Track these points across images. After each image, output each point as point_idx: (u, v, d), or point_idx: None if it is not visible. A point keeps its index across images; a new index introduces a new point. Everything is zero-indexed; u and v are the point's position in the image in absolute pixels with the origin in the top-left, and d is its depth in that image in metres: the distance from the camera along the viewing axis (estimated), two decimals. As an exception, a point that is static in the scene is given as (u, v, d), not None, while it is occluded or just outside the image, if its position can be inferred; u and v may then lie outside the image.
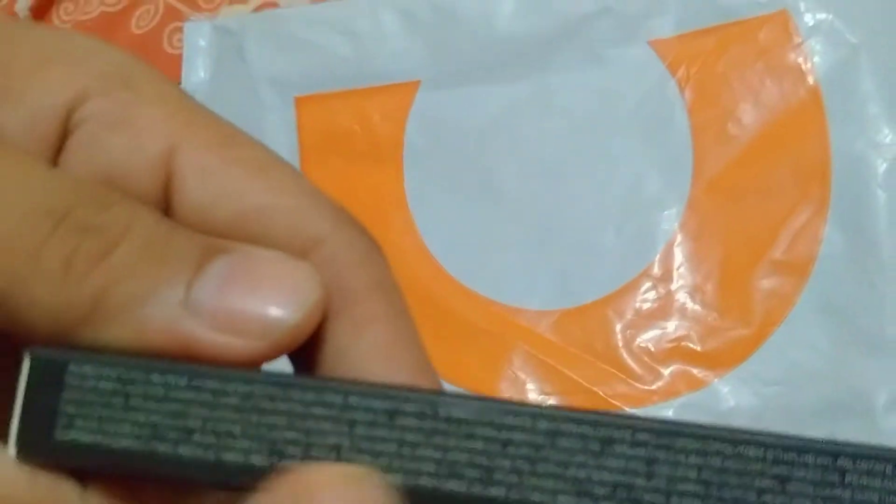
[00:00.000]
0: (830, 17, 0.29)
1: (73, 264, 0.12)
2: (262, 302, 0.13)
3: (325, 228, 0.14)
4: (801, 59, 0.29)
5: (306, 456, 0.12)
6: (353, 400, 0.12)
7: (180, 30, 0.34)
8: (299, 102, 0.32)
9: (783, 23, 0.30)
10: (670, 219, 0.29)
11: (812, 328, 0.26)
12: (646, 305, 0.28)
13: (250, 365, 0.13)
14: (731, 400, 0.26)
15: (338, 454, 0.12)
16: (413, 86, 0.31)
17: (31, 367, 0.13)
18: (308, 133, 0.31)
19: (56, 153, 0.14)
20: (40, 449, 0.13)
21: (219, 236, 0.14)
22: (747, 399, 0.26)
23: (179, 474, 0.12)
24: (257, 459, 0.12)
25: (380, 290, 0.15)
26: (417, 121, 0.31)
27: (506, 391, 0.27)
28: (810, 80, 0.29)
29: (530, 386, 0.27)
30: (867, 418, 0.25)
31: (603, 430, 0.12)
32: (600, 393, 0.27)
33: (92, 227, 0.13)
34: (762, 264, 0.27)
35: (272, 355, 0.13)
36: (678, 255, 0.28)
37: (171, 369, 0.13)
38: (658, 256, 0.28)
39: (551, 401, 0.27)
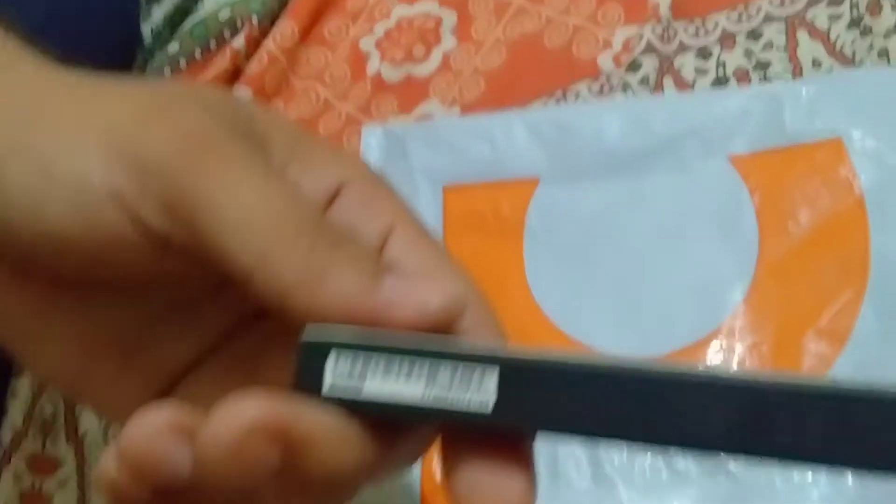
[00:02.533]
0: (876, 143, 0.36)
1: (314, 248, 0.20)
2: (422, 293, 0.20)
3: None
4: (850, 176, 0.36)
5: None
6: None
7: (357, 132, 0.44)
8: (446, 191, 0.40)
9: (837, 147, 0.37)
10: (738, 293, 0.35)
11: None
12: (714, 358, 0.34)
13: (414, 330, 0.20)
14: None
15: None
16: (534, 182, 0.40)
17: (303, 346, 0.20)
18: (452, 214, 0.40)
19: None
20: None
21: None
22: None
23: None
24: None
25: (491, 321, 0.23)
26: (536, 209, 0.39)
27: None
28: (856, 192, 0.36)
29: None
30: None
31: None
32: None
33: (330, 234, 0.21)
34: (809, 332, 0.34)
35: (421, 325, 0.20)
36: (742, 321, 0.35)
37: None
38: (726, 320, 0.35)
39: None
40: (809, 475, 0.31)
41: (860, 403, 0.17)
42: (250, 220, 0.20)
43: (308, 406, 0.19)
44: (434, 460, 0.34)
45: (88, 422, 0.43)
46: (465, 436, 0.20)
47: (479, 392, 0.19)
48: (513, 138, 0.40)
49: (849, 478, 0.31)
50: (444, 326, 0.20)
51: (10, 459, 0.42)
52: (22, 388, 0.44)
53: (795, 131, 0.38)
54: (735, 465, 0.32)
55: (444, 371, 0.19)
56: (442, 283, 0.21)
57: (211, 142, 0.21)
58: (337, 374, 0.19)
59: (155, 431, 0.19)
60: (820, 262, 0.35)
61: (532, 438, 0.20)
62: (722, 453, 0.18)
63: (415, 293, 0.20)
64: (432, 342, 0.19)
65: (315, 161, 0.23)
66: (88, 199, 0.21)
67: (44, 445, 0.43)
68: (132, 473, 0.19)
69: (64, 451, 0.42)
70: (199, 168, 0.20)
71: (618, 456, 0.33)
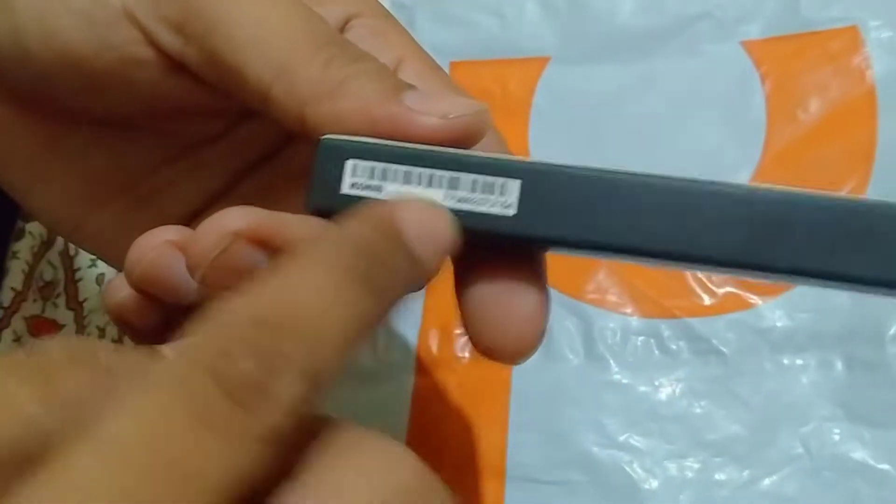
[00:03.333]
0: (892, 33, 0.36)
1: (334, 61, 0.20)
2: (446, 104, 0.19)
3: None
4: (863, 65, 0.36)
5: None
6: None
7: (365, 3, 0.43)
8: (453, 66, 0.40)
9: (852, 36, 0.36)
10: (742, 180, 0.35)
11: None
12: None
13: (433, 142, 0.20)
14: (770, 320, 0.33)
15: None
16: (544, 60, 0.39)
17: (323, 147, 0.19)
18: (457, 89, 0.39)
19: None
20: (330, 202, 0.19)
21: None
22: (783, 321, 0.32)
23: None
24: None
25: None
26: (545, 88, 0.39)
27: (591, 293, 0.34)
28: (868, 81, 0.35)
29: (612, 291, 0.34)
30: (877, 344, 0.31)
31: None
32: (665, 304, 0.34)
33: (349, 50, 0.21)
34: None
35: (444, 136, 0.19)
36: (742, 209, 0.35)
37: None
38: (726, 207, 0.35)
39: (630, 313, 0.34)
40: (799, 360, 0.32)
41: (874, 215, 0.17)
42: (266, 34, 0.20)
43: (295, 217, 0.19)
44: (430, 333, 0.35)
45: (89, 289, 0.43)
46: (478, 252, 0.20)
47: (501, 199, 0.19)
48: (523, 14, 0.40)
49: (837, 364, 0.31)
50: (467, 140, 0.20)
51: (9, 321, 0.43)
52: (23, 250, 0.45)
53: (811, 17, 0.37)
54: (726, 347, 0.32)
55: (466, 179, 0.19)
56: (465, 98, 0.21)
57: None
58: (357, 175, 0.19)
59: (156, 248, 0.19)
60: (826, 150, 0.35)
61: (546, 252, 0.20)
62: (734, 267, 0.18)
63: (439, 103, 0.19)
64: (453, 151, 0.19)
65: None
66: (101, 17, 0.21)
67: (43, 310, 0.43)
68: (137, 290, 0.19)
69: (64, 314, 0.42)
70: None
71: (611, 336, 0.33)
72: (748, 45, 0.37)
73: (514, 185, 0.19)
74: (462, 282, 0.20)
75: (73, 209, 0.24)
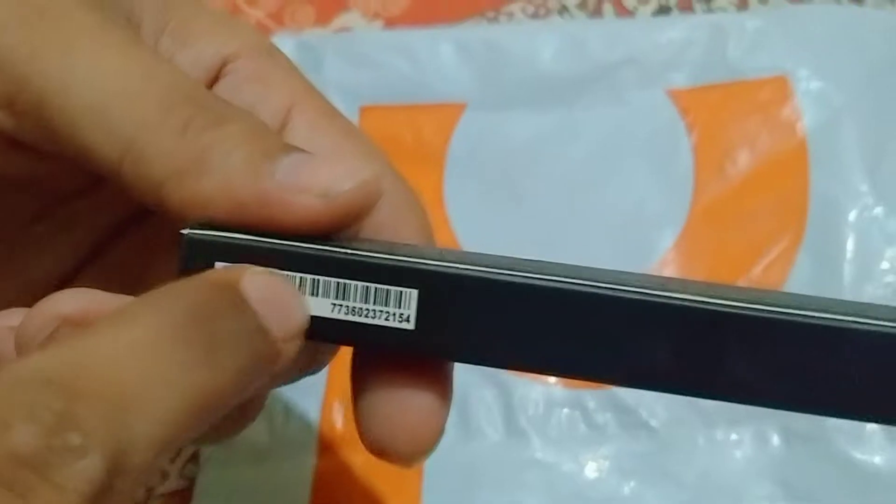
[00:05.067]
0: (822, 83, 0.34)
1: (191, 126, 0.17)
2: (327, 175, 0.17)
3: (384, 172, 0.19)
4: (793, 116, 0.34)
5: None
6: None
7: (268, 42, 0.39)
8: (364, 111, 0.37)
9: (781, 86, 0.35)
10: (667, 237, 0.33)
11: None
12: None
13: (314, 229, 0.17)
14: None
15: None
16: (461, 107, 0.37)
17: (186, 244, 0.16)
18: (368, 135, 0.37)
19: None
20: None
21: None
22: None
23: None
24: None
25: (415, 213, 0.20)
26: (461, 136, 0.36)
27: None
28: (799, 133, 0.34)
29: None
30: (815, 416, 0.29)
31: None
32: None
33: (210, 108, 0.18)
34: (742, 280, 0.32)
35: (327, 218, 0.16)
36: (671, 269, 0.32)
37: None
38: (654, 266, 0.33)
39: (554, 383, 0.31)
40: (733, 434, 0.29)
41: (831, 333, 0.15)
42: (108, 101, 0.17)
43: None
44: (333, 406, 0.31)
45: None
46: (378, 355, 0.17)
47: (398, 311, 0.16)
48: (439, 57, 0.37)
49: (774, 438, 0.29)
50: (355, 218, 0.17)
51: None
52: None
53: (739, 66, 0.35)
54: (656, 420, 0.30)
55: (356, 290, 0.16)
56: (352, 162, 0.18)
57: (56, 12, 0.17)
58: None
59: None
60: (757, 206, 0.33)
61: (454, 361, 0.18)
62: (663, 389, 0.16)
63: (318, 173, 0.16)
64: (341, 250, 0.16)
65: (195, 31, 0.19)
66: None
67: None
68: None
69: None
70: (42, 44, 0.17)
71: (533, 407, 0.30)
72: (674, 94, 0.35)
73: (411, 295, 0.16)
74: (357, 379, 0.18)
75: None
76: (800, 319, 0.15)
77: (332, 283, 0.16)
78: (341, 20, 0.42)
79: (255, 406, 0.20)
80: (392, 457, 0.18)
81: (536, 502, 0.29)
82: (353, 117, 0.37)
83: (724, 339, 0.15)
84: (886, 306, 0.17)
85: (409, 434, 0.18)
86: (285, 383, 0.20)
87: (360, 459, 0.30)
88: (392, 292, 0.16)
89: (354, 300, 0.16)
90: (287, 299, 0.16)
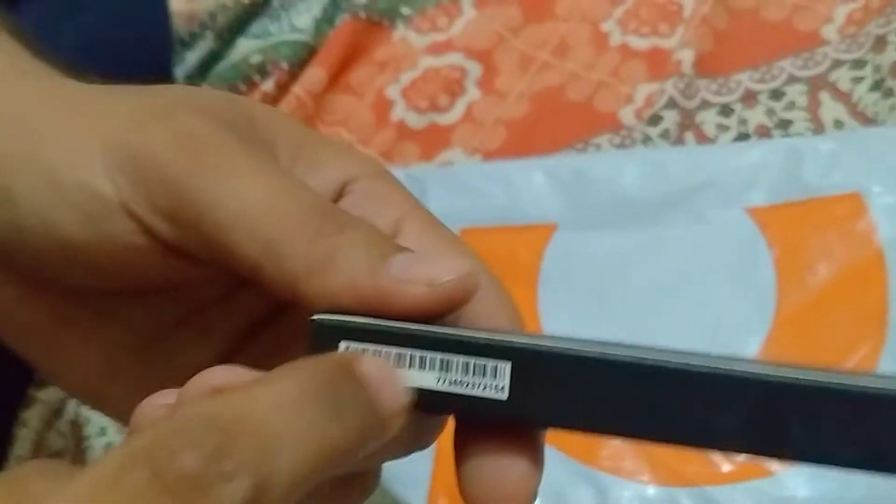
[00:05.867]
0: (894, 199, 0.36)
1: (321, 233, 0.20)
2: (432, 268, 0.20)
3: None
4: (869, 229, 0.36)
5: None
6: None
7: (378, 175, 0.44)
8: (463, 233, 0.41)
9: (856, 201, 0.37)
10: (753, 345, 0.35)
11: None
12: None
13: (422, 314, 0.20)
14: (791, 489, 0.31)
15: None
16: (551, 227, 0.40)
17: (314, 329, 0.19)
18: (466, 256, 0.40)
19: None
20: None
21: None
22: (803, 490, 0.31)
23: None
24: None
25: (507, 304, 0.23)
26: (552, 254, 0.39)
27: (606, 459, 0.33)
28: (875, 245, 0.35)
29: (628, 458, 0.33)
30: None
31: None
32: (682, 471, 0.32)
33: (336, 218, 0.21)
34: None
35: (433, 305, 0.19)
36: (755, 373, 0.34)
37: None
38: (738, 371, 0.34)
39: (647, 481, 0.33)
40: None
41: (879, 401, 0.16)
42: (253, 211, 0.20)
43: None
44: (438, 502, 0.33)
45: (95, 456, 0.43)
46: (476, 426, 0.20)
47: (493, 383, 0.19)
48: (531, 183, 0.41)
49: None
50: (456, 305, 0.20)
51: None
52: (32, 419, 0.44)
53: (814, 184, 0.38)
54: (746, 515, 0.31)
55: (457, 362, 0.19)
56: (452, 260, 0.21)
57: (211, 142, 0.21)
58: None
59: (156, 410, 0.20)
60: (837, 314, 0.35)
61: (544, 428, 0.20)
62: (736, 450, 0.17)
63: (425, 269, 0.20)
64: (445, 331, 0.19)
65: (322, 159, 0.23)
66: (96, 208, 0.21)
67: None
68: None
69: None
70: (200, 168, 0.21)
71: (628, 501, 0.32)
72: (753, 212, 0.38)
73: (505, 368, 0.19)
74: (459, 448, 0.20)
75: (88, 378, 0.24)
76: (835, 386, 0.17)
77: (437, 358, 0.19)
78: (444, 156, 0.46)
79: (371, 480, 0.23)
80: None
81: None
82: (454, 239, 0.40)
83: (785, 408, 0.17)
84: None
85: (505, 496, 0.20)
86: (397, 457, 0.22)
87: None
88: (488, 366, 0.19)
89: (455, 373, 0.19)
90: (393, 378, 0.19)
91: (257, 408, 0.15)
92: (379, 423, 0.18)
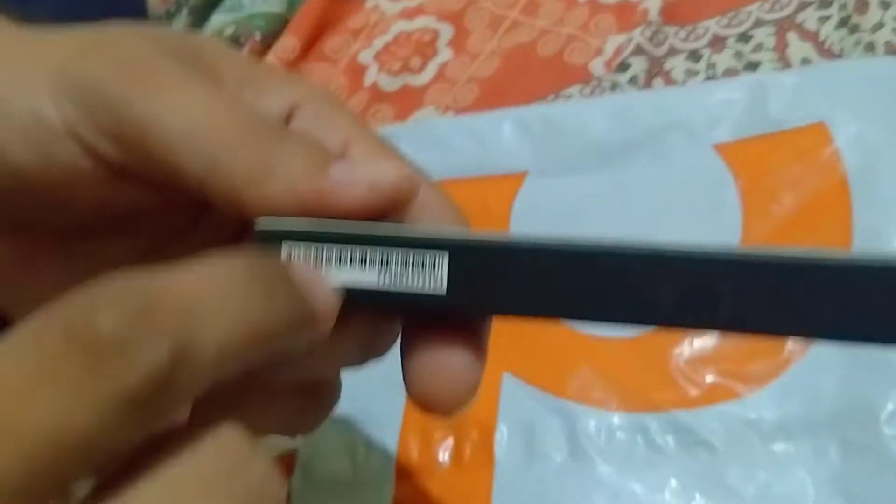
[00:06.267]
0: (859, 127, 0.36)
1: (262, 144, 0.21)
2: (373, 170, 0.21)
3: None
4: (833, 157, 0.36)
5: None
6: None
7: (351, 136, 0.44)
8: (434, 186, 0.41)
9: (821, 131, 0.37)
10: (720, 276, 0.35)
11: (830, 357, 0.32)
12: (696, 339, 0.34)
13: (362, 215, 0.21)
14: (758, 411, 0.31)
15: None
16: (522, 176, 0.40)
17: (258, 233, 0.20)
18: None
19: None
20: None
21: None
22: (771, 412, 0.31)
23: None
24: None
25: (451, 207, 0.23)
26: (522, 201, 0.39)
27: (575, 388, 0.33)
28: (840, 172, 0.36)
29: (596, 387, 0.33)
30: (872, 427, 0.30)
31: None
32: (651, 397, 0.33)
33: (276, 132, 0.21)
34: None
35: (373, 204, 0.20)
36: (723, 302, 0.34)
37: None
38: (706, 301, 0.34)
39: (615, 408, 0.33)
40: (792, 447, 0.30)
41: (802, 270, 0.17)
42: (195, 129, 0.21)
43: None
44: (409, 439, 0.34)
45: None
46: (421, 322, 0.20)
47: (432, 277, 0.19)
48: (501, 134, 0.41)
49: (831, 450, 0.30)
50: (396, 207, 0.20)
51: None
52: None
53: (779, 118, 0.38)
54: (715, 438, 0.31)
55: (397, 257, 0.19)
56: (394, 161, 0.21)
57: (154, 66, 0.21)
58: (293, 258, 0.20)
59: None
60: (802, 242, 0.35)
61: (487, 319, 0.20)
62: (668, 326, 0.18)
63: (364, 170, 0.20)
64: (384, 228, 0.20)
65: (268, 86, 0.23)
66: (44, 134, 0.22)
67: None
68: None
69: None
70: (144, 90, 0.21)
71: (595, 431, 0.32)
72: (720, 148, 0.38)
73: (443, 261, 0.19)
74: (404, 349, 0.21)
75: None
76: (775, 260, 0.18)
77: (377, 255, 0.19)
78: (417, 115, 0.47)
79: (331, 390, 0.23)
80: (434, 408, 0.20)
81: (602, 519, 0.30)
82: (427, 193, 0.41)
83: (716, 282, 0.18)
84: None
85: (448, 387, 0.20)
86: (353, 364, 0.23)
87: (435, 486, 0.32)
88: (427, 260, 0.19)
89: (395, 267, 0.19)
90: (324, 279, 0.19)
91: (186, 279, 0.16)
92: (309, 315, 0.18)
